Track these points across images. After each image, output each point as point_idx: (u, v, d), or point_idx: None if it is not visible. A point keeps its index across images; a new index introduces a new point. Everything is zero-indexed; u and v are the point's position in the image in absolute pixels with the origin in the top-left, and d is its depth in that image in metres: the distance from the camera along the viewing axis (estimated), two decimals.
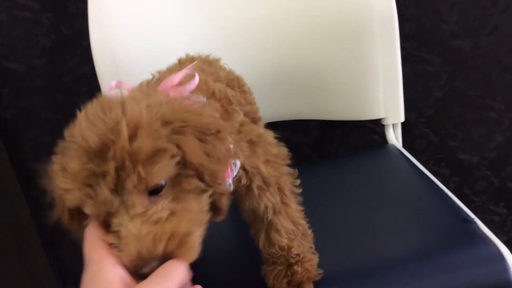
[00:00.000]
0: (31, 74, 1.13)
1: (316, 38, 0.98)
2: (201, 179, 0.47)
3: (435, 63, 1.17)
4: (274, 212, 0.60)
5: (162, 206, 0.44)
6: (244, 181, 0.57)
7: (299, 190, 0.63)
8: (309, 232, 0.65)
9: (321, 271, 0.63)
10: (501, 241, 0.66)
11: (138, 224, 0.42)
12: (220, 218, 0.51)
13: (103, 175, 0.42)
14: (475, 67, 1.17)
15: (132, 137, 0.43)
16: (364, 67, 0.98)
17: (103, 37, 0.92)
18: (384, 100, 1.00)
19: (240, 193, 0.59)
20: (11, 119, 1.17)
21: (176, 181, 0.45)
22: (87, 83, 1.14)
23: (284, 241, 0.61)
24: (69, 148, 0.44)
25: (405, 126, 1.05)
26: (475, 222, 0.68)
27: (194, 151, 0.45)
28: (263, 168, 0.58)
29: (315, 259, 0.64)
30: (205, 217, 0.48)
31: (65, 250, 1.34)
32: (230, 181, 0.54)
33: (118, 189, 0.43)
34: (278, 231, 0.61)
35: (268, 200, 0.60)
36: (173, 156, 0.44)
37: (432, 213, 0.74)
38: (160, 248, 0.42)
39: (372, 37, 0.95)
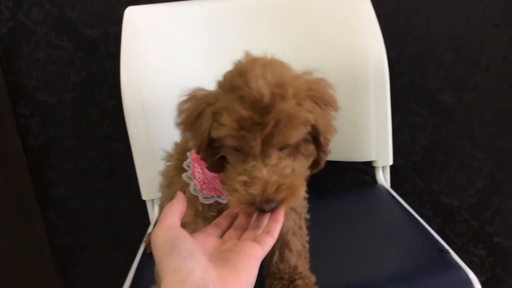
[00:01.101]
0: (61, 107, 1.21)
1: None
2: (315, 140, 0.56)
3: (422, 114, 1.23)
4: (293, 233, 0.68)
5: (288, 163, 0.53)
6: None
7: (308, 217, 0.71)
8: (308, 254, 0.72)
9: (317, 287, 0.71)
10: (480, 281, 0.73)
11: (270, 172, 0.51)
12: (317, 170, 0.59)
13: (261, 125, 0.50)
14: (459, 119, 1.24)
15: (293, 103, 0.51)
16: (358, 115, 1.05)
17: (132, 77, 1.00)
18: (376, 145, 1.07)
19: None
20: (39, 147, 1.25)
21: (297, 143, 0.54)
22: (110, 117, 1.22)
23: (294, 260, 0.69)
24: (237, 94, 0.51)
25: (394, 170, 1.11)
26: (449, 252, 0.77)
27: (322, 118, 0.54)
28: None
29: (313, 277, 0.71)
30: (307, 173, 0.57)
31: (77, 270, 1.39)
32: None
33: (264, 139, 0.51)
34: (291, 250, 0.68)
35: (293, 221, 0.68)
36: (308, 125, 0.53)
37: (412, 243, 0.82)
38: (281, 196, 0.51)
39: (366, 89, 1.03)
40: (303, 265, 0.70)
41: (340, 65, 1.04)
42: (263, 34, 1.06)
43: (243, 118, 0.50)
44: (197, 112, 0.56)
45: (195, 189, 0.66)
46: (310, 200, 0.71)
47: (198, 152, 0.57)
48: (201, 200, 0.66)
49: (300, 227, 0.70)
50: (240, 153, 0.53)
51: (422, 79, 1.21)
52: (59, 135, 1.24)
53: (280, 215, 0.55)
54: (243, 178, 0.52)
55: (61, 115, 1.22)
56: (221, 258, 0.50)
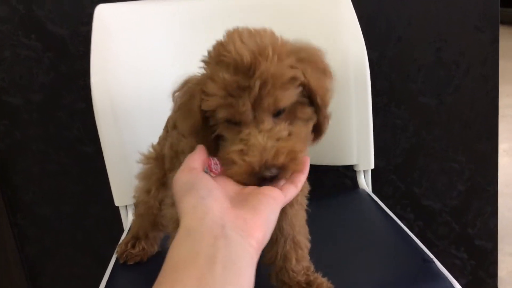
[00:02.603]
0: (28, 108, 1.18)
1: None
2: (312, 104, 0.54)
3: (403, 117, 1.24)
4: (301, 232, 0.67)
5: (284, 127, 0.51)
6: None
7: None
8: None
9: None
10: (461, 284, 0.72)
11: (265, 138, 0.50)
12: (319, 139, 0.59)
13: (248, 89, 0.49)
14: (439, 122, 1.25)
15: (276, 62, 0.49)
16: (339, 118, 1.03)
17: (103, 77, 0.97)
18: (357, 148, 1.06)
19: (283, 210, 0.65)
20: (5, 150, 1.21)
21: (292, 108, 0.53)
22: (80, 119, 1.19)
23: (307, 257, 0.68)
24: (220, 62, 0.50)
25: (375, 173, 1.10)
26: (433, 262, 0.75)
27: (314, 77, 0.52)
28: (306, 183, 0.66)
29: (318, 274, 0.70)
30: (310, 139, 0.56)
31: (46, 278, 1.35)
32: None
33: (254, 104, 0.50)
34: (302, 250, 0.67)
35: (302, 218, 0.67)
36: (299, 84, 0.52)
37: (396, 252, 0.81)
38: (280, 160, 0.49)
39: (347, 92, 1.02)
40: (311, 265, 0.69)
41: None
42: None
43: (228, 83, 0.49)
44: (188, 94, 0.55)
45: None
46: None
47: (193, 134, 0.56)
48: None
49: (304, 225, 0.69)
50: (235, 125, 0.52)
51: (402, 81, 1.21)
52: (26, 137, 1.21)
53: (307, 166, 0.54)
54: (239, 147, 0.51)
55: (28, 117, 1.19)
56: (241, 200, 0.49)
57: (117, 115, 0.97)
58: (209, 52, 0.55)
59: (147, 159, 0.80)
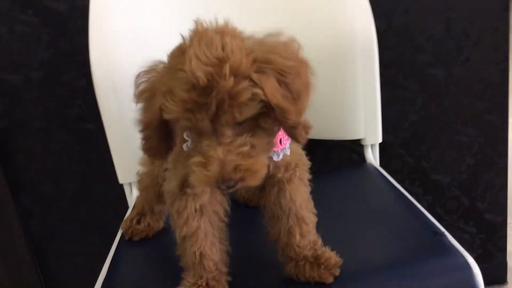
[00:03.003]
0: (28, 86, 1.16)
1: None
2: (275, 117, 0.53)
3: (411, 89, 1.21)
4: (305, 207, 0.66)
5: (243, 140, 0.52)
6: (293, 165, 0.64)
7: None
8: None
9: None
10: None
11: (225, 151, 0.51)
12: (302, 143, 0.58)
13: (205, 106, 0.49)
14: (449, 94, 1.22)
15: (233, 81, 0.48)
16: (346, 91, 1.02)
17: (102, 53, 0.95)
18: (364, 122, 1.04)
19: (281, 185, 0.65)
20: (5, 128, 1.19)
21: (255, 117, 0.52)
22: (81, 96, 1.17)
23: (312, 232, 0.67)
24: (177, 76, 0.50)
25: (382, 147, 1.09)
26: (445, 235, 0.73)
27: (275, 94, 0.51)
28: (305, 159, 0.66)
29: (327, 248, 0.69)
30: (272, 148, 0.57)
31: (51, 257, 1.35)
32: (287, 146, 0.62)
33: (214, 119, 0.50)
34: (307, 224, 0.67)
35: (305, 193, 0.66)
36: (260, 100, 0.51)
37: (406, 226, 0.79)
38: (238, 175, 0.51)
39: (354, 63, 1.00)
40: (319, 239, 0.69)
41: (326, 38, 1.00)
42: (240, 3, 1.02)
43: (185, 100, 0.49)
44: (151, 92, 0.55)
45: None
46: None
47: (148, 128, 0.56)
48: None
49: (308, 200, 0.68)
50: (196, 134, 0.54)
51: (410, 52, 1.19)
52: (26, 116, 1.19)
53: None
54: (199, 158, 0.52)
55: (28, 95, 1.17)
56: None
57: (118, 91, 0.96)
58: (170, 54, 0.55)
59: None
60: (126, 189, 1.07)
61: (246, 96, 0.49)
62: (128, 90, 0.93)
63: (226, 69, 0.48)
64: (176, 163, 0.63)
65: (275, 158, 0.61)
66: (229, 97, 0.48)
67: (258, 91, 0.50)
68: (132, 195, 1.06)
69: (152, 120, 0.55)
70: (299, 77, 0.53)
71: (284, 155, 0.62)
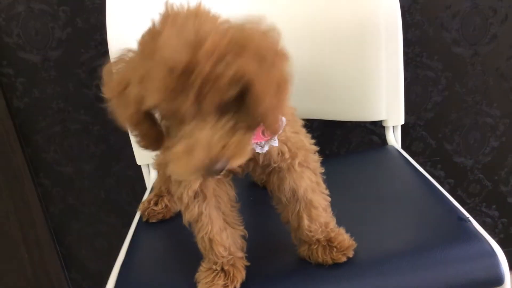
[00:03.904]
0: (45, 66, 1.15)
1: (322, 40, 1.00)
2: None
3: (435, 68, 1.18)
4: (313, 191, 0.65)
5: (227, 120, 0.49)
6: (287, 156, 0.62)
7: (323, 170, 0.67)
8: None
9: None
10: None
11: (210, 132, 0.48)
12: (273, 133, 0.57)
13: (185, 90, 0.47)
14: (474, 74, 1.19)
15: (211, 64, 0.46)
16: (368, 71, 0.99)
17: (119, 31, 0.94)
18: (386, 103, 1.01)
19: (281, 173, 0.64)
20: (24, 108, 1.19)
21: (235, 100, 0.50)
22: (99, 76, 1.15)
23: (323, 215, 0.66)
24: (152, 62, 0.47)
25: (404, 129, 1.07)
26: (469, 221, 0.71)
27: (249, 71, 0.49)
28: (307, 143, 0.64)
29: (342, 229, 0.68)
30: (256, 128, 0.54)
31: (71, 237, 1.37)
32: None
33: (195, 102, 0.47)
34: (316, 208, 0.65)
35: (308, 179, 0.64)
36: (239, 81, 0.48)
37: (429, 210, 0.77)
38: (227, 153, 0.48)
39: (377, 41, 0.97)
40: (332, 221, 0.68)
41: (348, 14, 0.97)
42: None
43: (165, 85, 0.47)
44: (123, 82, 0.52)
45: None
46: None
47: (132, 125, 0.54)
48: None
49: (318, 183, 0.67)
50: (178, 121, 0.50)
51: (435, 30, 1.15)
52: (45, 96, 1.18)
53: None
54: (184, 143, 0.49)
55: (46, 75, 1.16)
56: None
57: None
58: (141, 39, 0.52)
59: None
60: (144, 171, 1.07)
61: (225, 78, 0.47)
62: None
63: (203, 51, 0.46)
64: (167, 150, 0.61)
65: (258, 150, 0.59)
66: (208, 80, 0.46)
67: (236, 72, 0.48)
68: (150, 177, 1.06)
69: (132, 115, 0.52)
70: (273, 68, 0.51)
71: (272, 146, 0.60)
